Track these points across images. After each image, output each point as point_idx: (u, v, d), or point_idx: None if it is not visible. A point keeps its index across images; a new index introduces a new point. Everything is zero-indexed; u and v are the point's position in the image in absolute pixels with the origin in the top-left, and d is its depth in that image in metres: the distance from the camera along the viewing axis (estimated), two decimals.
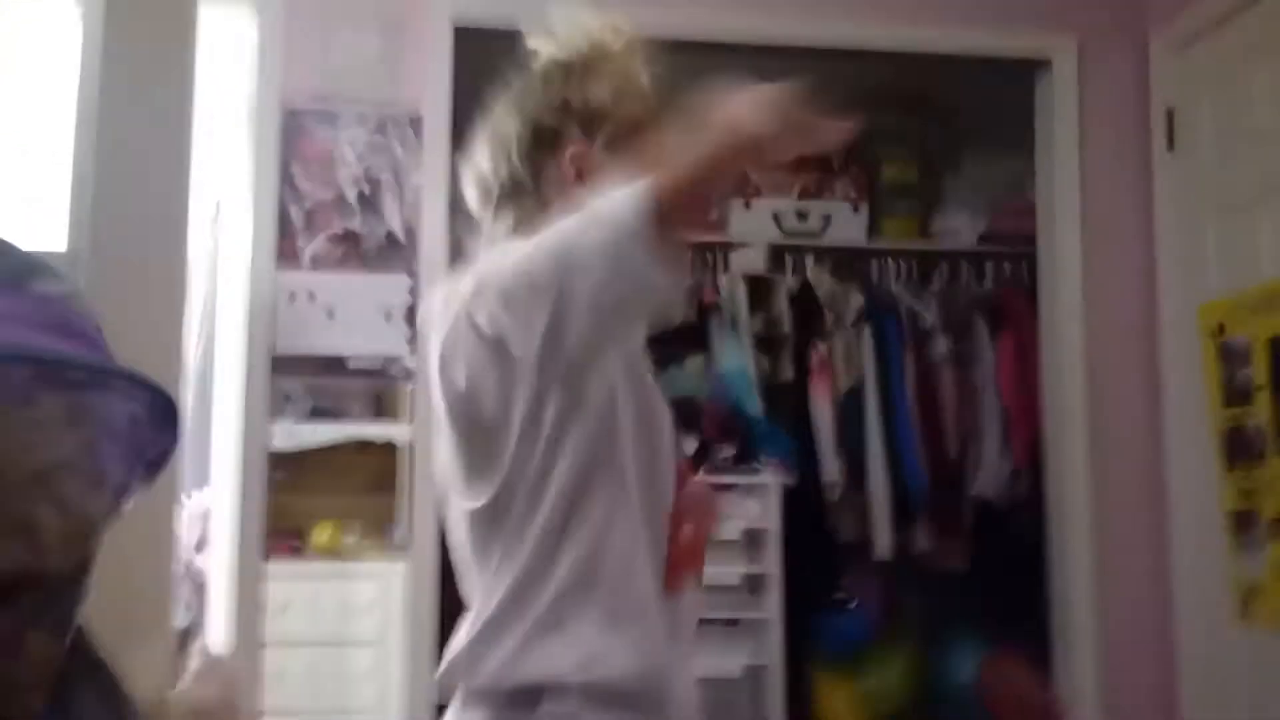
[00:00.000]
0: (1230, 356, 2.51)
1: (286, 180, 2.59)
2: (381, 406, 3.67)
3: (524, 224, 1.12)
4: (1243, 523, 2.46)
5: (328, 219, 2.61)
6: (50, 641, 0.61)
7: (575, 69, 1.15)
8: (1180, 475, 2.70)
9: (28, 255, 0.72)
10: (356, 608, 3.34)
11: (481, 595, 1.07)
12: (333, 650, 3.32)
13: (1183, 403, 2.68)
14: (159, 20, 1.20)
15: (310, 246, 2.60)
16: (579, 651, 1.00)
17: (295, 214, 2.59)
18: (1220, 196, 2.61)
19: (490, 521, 1.06)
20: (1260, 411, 2.41)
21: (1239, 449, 2.48)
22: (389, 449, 3.54)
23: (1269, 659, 2.18)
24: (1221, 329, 2.55)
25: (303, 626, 3.29)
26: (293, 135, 2.60)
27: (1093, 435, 2.77)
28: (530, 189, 1.14)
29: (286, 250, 2.57)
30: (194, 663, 1.20)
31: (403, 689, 2.58)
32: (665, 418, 1.13)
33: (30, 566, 0.58)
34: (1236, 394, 2.49)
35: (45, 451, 0.57)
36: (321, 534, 3.51)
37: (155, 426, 0.65)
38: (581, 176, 1.12)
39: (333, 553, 3.51)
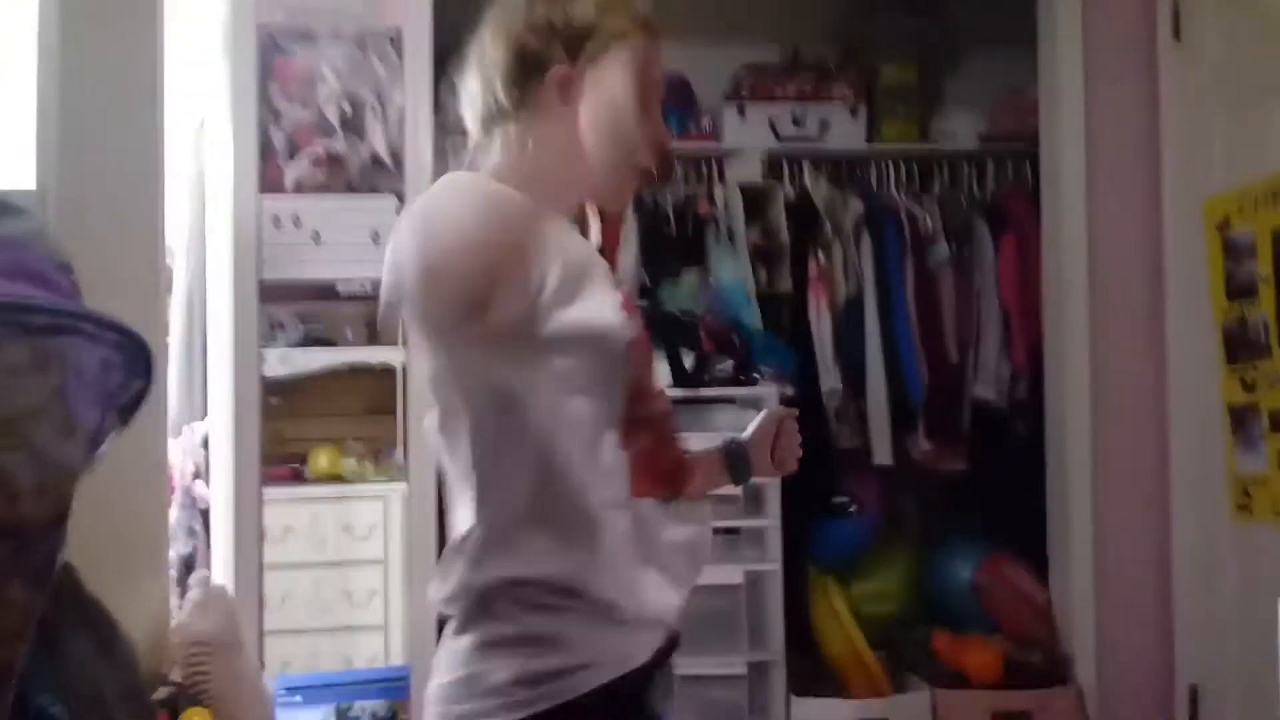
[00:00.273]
0: (1234, 251, 2.48)
1: (265, 102, 2.52)
2: (375, 331, 3.65)
3: (511, 149, 1.11)
4: (1243, 417, 2.46)
5: (309, 141, 2.55)
6: (30, 590, 0.60)
7: None
8: (1181, 371, 2.70)
9: None
10: (358, 530, 3.38)
11: (453, 515, 1.09)
12: (336, 571, 3.37)
13: (1186, 298, 2.66)
14: None
15: (293, 170, 2.54)
16: (526, 559, 1.02)
17: (276, 137, 2.52)
18: (1227, 88, 2.54)
19: (445, 441, 1.07)
20: (1264, 305, 2.39)
21: (1241, 343, 2.47)
22: (384, 373, 3.53)
23: (1264, 553, 2.21)
24: (1227, 223, 2.51)
25: (306, 550, 3.33)
26: (269, 55, 2.52)
27: (1093, 335, 2.76)
28: (514, 115, 1.12)
29: (269, 174, 2.51)
30: (194, 594, 1.20)
31: (406, 606, 2.62)
32: (618, 332, 1.07)
33: (5, 516, 0.56)
34: (1240, 288, 2.46)
35: (12, 399, 0.55)
36: (320, 459, 3.54)
37: (127, 370, 0.63)
38: (566, 99, 1.11)
39: (333, 477, 3.54)
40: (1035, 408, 2.89)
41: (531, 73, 1.11)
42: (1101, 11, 2.79)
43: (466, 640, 1.03)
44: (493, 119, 1.13)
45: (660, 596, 1.08)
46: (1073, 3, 2.79)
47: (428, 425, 1.10)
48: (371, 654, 3.24)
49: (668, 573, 1.09)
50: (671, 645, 1.12)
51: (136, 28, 1.13)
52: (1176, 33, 2.68)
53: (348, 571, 3.32)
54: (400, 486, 3.36)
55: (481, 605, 1.03)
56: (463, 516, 1.06)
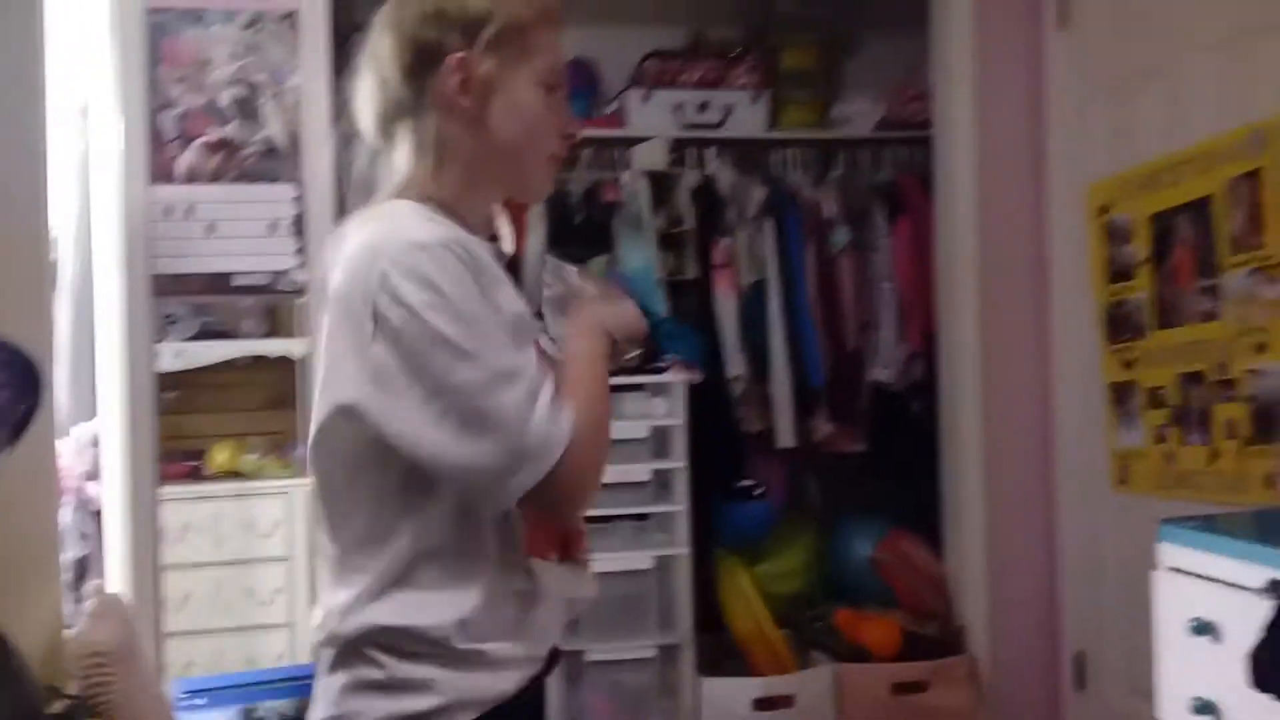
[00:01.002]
0: (1115, 234, 2.60)
1: (154, 87, 2.43)
2: (275, 322, 3.57)
3: (420, 148, 1.08)
4: (1123, 394, 2.59)
5: (201, 128, 2.47)
6: None
7: None
8: (1065, 351, 2.81)
9: None
10: (261, 527, 3.32)
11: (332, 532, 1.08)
12: (238, 570, 3.30)
13: (1070, 280, 2.77)
14: None
15: (184, 158, 2.46)
16: (396, 609, 1.02)
17: (166, 123, 2.44)
18: (1109, 76, 2.64)
19: (336, 474, 1.07)
20: (1142, 286, 2.50)
21: (1121, 324, 2.58)
22: (283, 365, 3.46)
23: (1142, 524, 2.32)
24: (1107, 207, 2.62)
25: (206, 549, 3.25)
26: (157, 38, 2.43)
27: (983, 316, 2.85)
28: (414, 108, 1.09)
29: (160, 163, 2.43)
30: (88, 604, 1.17)
31: (311, 604, 2.57)
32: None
33: None
34: (1120, 270, 2.58)
35: None
36: (219, 454, 3.45)
37: (16, 387, 0.61)
38: (466, 86, 1.07)
39: (232, 473, 3.46)
40: (931, 388, 2.98)
41: (428, 63, 1.08)
42: None
43: (337, 680, 1.04)
44: (391, 116, 1.10)
45: (537, 641, 1.09)
46: None
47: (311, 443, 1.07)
48: (277, 653, 3.19)
49: (547, 619, 1.09)
50: (552, 661, 1.12)
51: (17, 10, 1.08)
52: (1062, 20, 2.78)
53: (250, 570, 3.26)
54: (303, 482, 3.31)
55: (350, 648, 1.03)
56: (343, 544, 1.05)
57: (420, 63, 1.08)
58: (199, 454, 3.35)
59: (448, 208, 1.07)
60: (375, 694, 1.01)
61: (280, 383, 3.61)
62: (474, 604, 1.01)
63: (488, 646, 1.02)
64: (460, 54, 1.07)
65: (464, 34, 1.08)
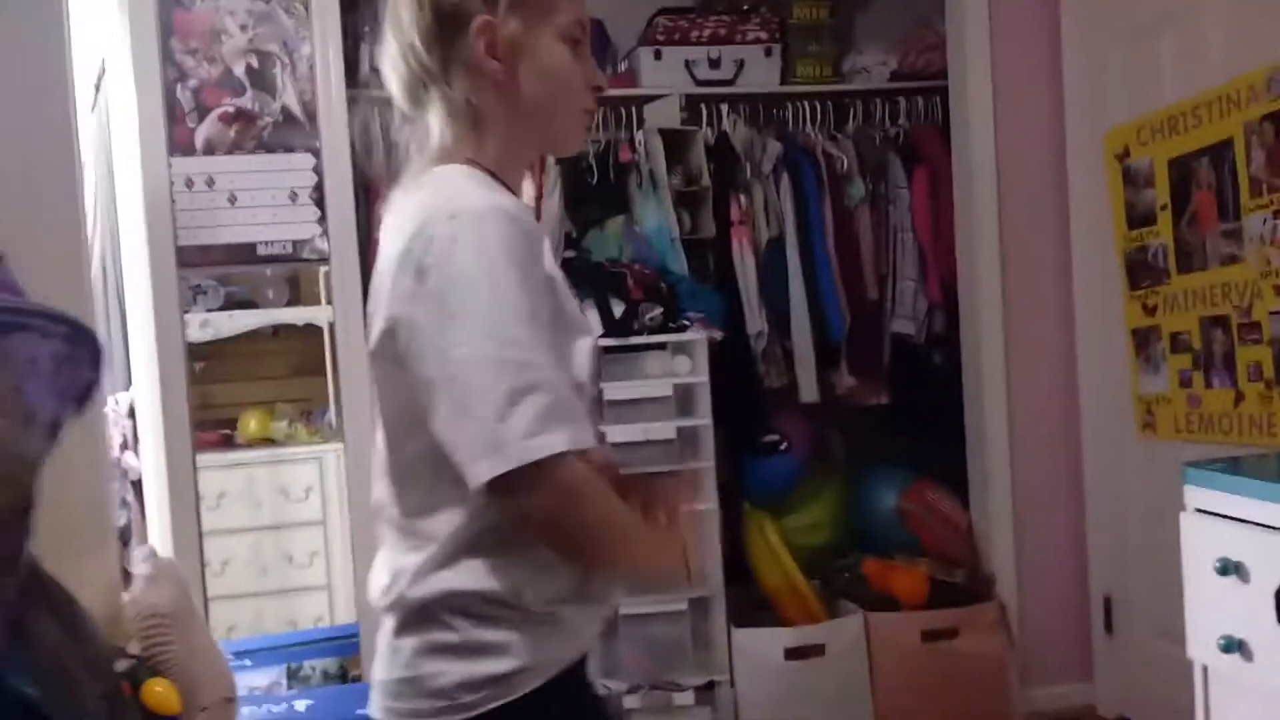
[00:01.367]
0: (1134, 179, 2.59)
1: (168, 60, 2.44)
2: (298, 291, 3.59)
3: (453, 114, 1.07)
4: (1145, 340, 2.59)
5: (217, 99, 2.48)
6: (2, 578, 0.61)
7: None
8: (1087, 298, 2.82)
9: None
10: (294, 492, 3.37)
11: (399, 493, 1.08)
12: (274, 534, 3.36)
13: (1090, 227, 2.77)
14: None
15: (202, 130, 2.47)
16: (468, 573, 1.02)
17: (183, 96, 2.45)
18: (1123, 24, 2.63)
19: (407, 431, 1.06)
20: (1163, 232, 2.50)
21: (1142, 269, 2.58)
22: (309, 332, 3.49)
23: (1167, 469, 2.33)
24: (1126, 152, 2.61)
25: (242, 514, 3.31)
26: (168, 9, 2.44)
27: (1004, 265, 2.86)
28: (443, 74, 1.08)
29: (178, 136, 2.45)
30: (143, 568, 1.21)
31: (352, 566, 2.62)
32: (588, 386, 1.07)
33: None
34: (1140, 216, 2.57)
35: None
36: (250, 422, 3.50)
37: (79, 360, 0.64)
38: (493, 51, 1.07)
39: (264, 440, 3.50)
40: (952, 340, 2.99)
41: (451, 29, 1.06)
42: None
43: (409, 643, 1.03)
44: (420, 84, 1.08)
45: (601, 604, 1.09)
46: None
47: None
48: (316, 614, 3.26)
49: (607, 583, 1.09)
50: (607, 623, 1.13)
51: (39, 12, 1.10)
52: None
53: (287, 534, 3.32)
54: (335, 447, 3.36)
55: (422, 612, 1.02)
56: (408, 508, 1.04)
57: (443, 28, 1.07)
58: (231, 423, 3.41)
59: (490, 172, 1.07)
60: (451, 657, 1.01)
61: (306, 350, 3.65)
62: (543, 568, 1.01)
63: (559, 609, 1.03)
64: (485, 17, 1.06)
65: None
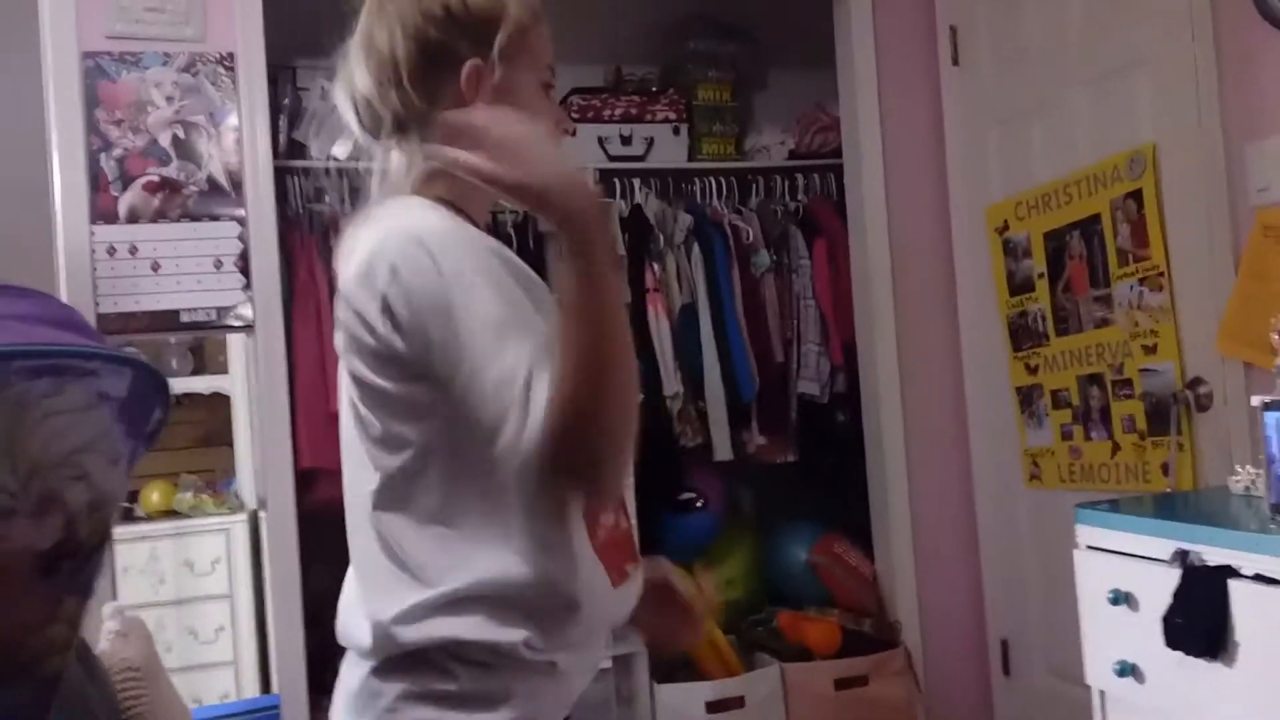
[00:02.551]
0: (1013, 250, 2.81)
1: (93, 129, 2.45)
2: (202, 359, 3.56)
3: (424, 151, 1.04)
4: (1029, 398, 2.80)
5: (141, 167, 2.50)
6: (80, 604, 0.66)
7: None
8: (975, 359, 3.01)
9: None
10: (200, 565, 3.30)
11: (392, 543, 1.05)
12: (179, 609, 3.27)
13: (975, 294, 2.97)
14: None
15: (126, 198, 2.48)
16: (473, 622, 0.99)
17: (107, 165, 2.46)
18: (999, 108, 2.87)
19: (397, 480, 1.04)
20: (1041, 297, 2.72)
21: (1024, 332, 2.80)
22: (214, 401, 3.45)
23: (1055, 516, 2.51)
24: (1006, 226, 2.84)
25: (146, 589, 3.22)
26: (94, 81, 2.46)
27: (899, 329, 3.04)
28: (426, 114, 1.05)
29: (101, 203, 2.45)
30: (113, 624, 1.22)
31: (273, 637, 2.58)
32: None
33: (66, 538, 0.63)
34: (1020, 284, 2.80)
35: (73, 436, 0.62)
36: (152, 494, 3.42)
37: (149, 399, 0.70)
38: (476, 92, 1.06)
39: (166, 512, 3.42)
40: (854, 399, 3.16)
41: (440, 68, 1.05)
42: (891, 38, 3.09)
43: (394, 687, 0.99)
44: (396, 117, 1.07)
45: (593, 653, 1.09)
46: (865, 30, 3.07)
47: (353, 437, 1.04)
48: (222, 691, 3.17)
49: (601, 634, 1.08)
50: None
51: (22, 89, 1.14)
52: (955, 59, 3.02)
53: (191, 608, 3.23)
54: (240, 518, 3.30)
55: (417, 655, 0.98)
56: (400, 551, 1.01)
57: (431, 66, 1.06)
58: (132, 495, 3.32)
59: (457, 208, 1.06)
60: (444, 706, 0.97)
61: (211, 419, 3.59)
62: (542, 617, 0.99)
63: (557, 657, 1.01)
64: (475, 62, 1.06)
65: (474, 39, 1.06)
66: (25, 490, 0.58)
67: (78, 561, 0.64)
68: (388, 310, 0.95)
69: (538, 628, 0.99)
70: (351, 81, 1.10)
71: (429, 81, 1.06)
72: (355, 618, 1.03)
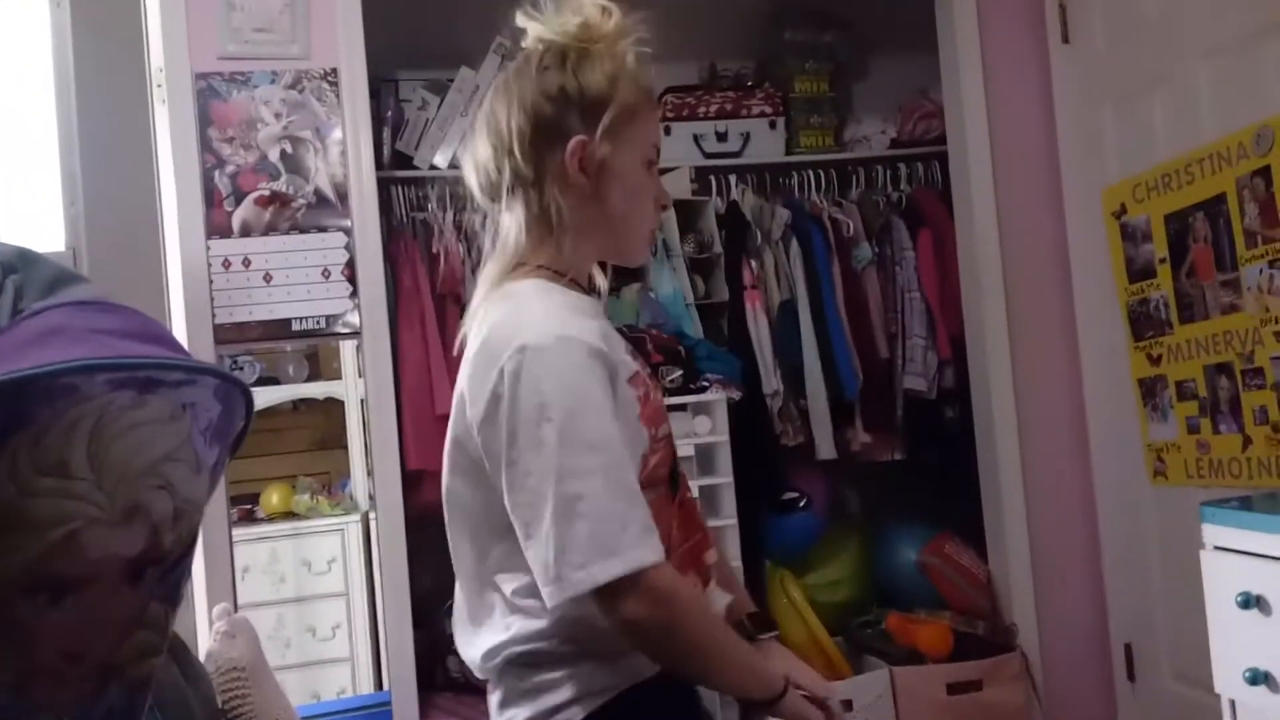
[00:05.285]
0: (1132, 235, 2.68)
1: (206, 147, 2.56)
2: (318, 365, 3.68)
3: (535, 216, 1.17)
4: (1152, 389, 2.67)
5: (252, 182, 2.59)
6: (168, 610, 0.68)
7: (569, 53, 1.17)
8: (1092, 350, 2.89)
9: (55, 262, 0.76)
10: (316, 565, 3.41)
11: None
12: (297, 607, 3.39)
13: (1092, 282, 2.84)
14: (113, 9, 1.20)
15: (239, 213, 2.58)
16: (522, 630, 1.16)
17: (220, 180, 2.56)
18: (1114, 85, 2.74)
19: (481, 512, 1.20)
20: (1163, 284, 2.59)
21: (1145, 321, 2.66)
22: (329, 406, 3.56)
23: (1181, 514, 2.39)
24: (1123, 209, 2.71)
25: (265, 588, 3.34)
26: (206, 101, 2.56)
27: (1010, 321, 2.93)
28: (533, 182, 1.17)
29: (215, 219, 2.55)
30: (220, 624, 1.27)
31: (383, 635, 2.65)
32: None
33: (150, 545, 0.64)
34: (1140, 270, 2.67)
35: (156, 446, 0.64)
36: (272, 496, 3.55)
37: (233, 409, 0.71)
38: (585, 170, 1.16)
39: (285, 513, 3.56)
40: (963, 395, 3.06)
41: (549, 141, 1.16)
42: (996, 18, 2.98)
43: (495, 696, 1.19)
44: (509, 185, 1.18)
45: None
46: (968, 11, 2.98)
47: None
48: (339, 687, 3.28)
49: None
50: None
51: (134, 111, 1.20)
52: (1065, 36, 2.89)
53: (309, 606, 3.35)
54: (354, 518, 3.41)
55: (499, 671, 1.17)
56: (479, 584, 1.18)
57: (542, 138, 1.16)
58: (253, 497, 3.46)
59: (560, 273, 1.17)
60: (523, 700, 1.16)
61: (326, 424, 3.72)
62: (569, 621, 1.13)
63: (589, 645, 1.14)
64: (581, 137, 1.15)
65: (583, 116, 1.16)
66: (111, 500, 0.60)
67: (163, 569, 0.66)
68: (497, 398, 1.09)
69: (558, 626, 1.14)
70: (474, 150, 1.21)
71: (537, 151, 1.16)
72: (474, 640, 1.22)
